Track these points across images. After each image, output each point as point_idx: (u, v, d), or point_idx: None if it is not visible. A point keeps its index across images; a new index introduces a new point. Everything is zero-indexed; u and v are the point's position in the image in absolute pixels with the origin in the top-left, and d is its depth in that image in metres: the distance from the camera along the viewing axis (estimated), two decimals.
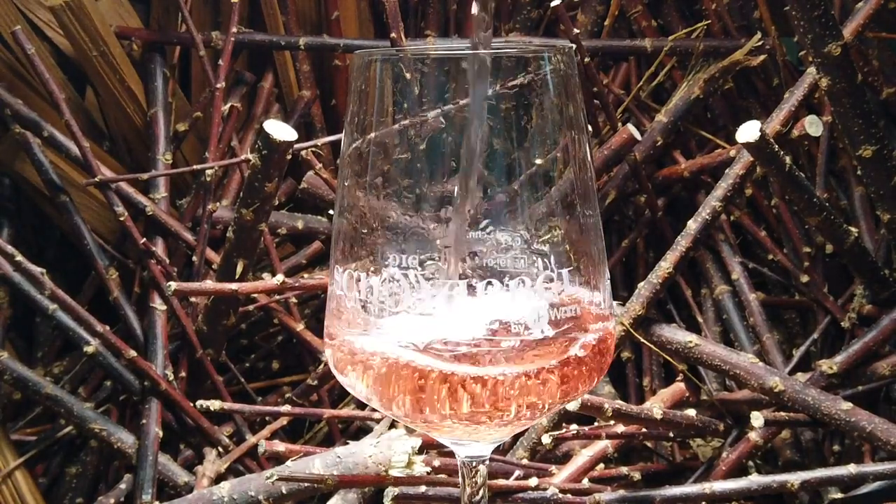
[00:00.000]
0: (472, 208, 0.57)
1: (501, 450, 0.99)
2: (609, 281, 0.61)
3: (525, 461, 0.97)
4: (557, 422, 0.97)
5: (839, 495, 0.97)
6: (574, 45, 0.72)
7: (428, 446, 0.93)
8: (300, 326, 1.12)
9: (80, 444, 1.14)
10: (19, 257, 1.03)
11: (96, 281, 1.16)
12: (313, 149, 1.07)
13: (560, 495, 0.91)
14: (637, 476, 0.98)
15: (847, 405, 0.94)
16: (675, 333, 0.99)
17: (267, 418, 1.07)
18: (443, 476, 0.91)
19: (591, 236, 0.60)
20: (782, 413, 0.98)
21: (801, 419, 0.97)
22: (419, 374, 0.56)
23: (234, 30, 1.15)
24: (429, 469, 0.91)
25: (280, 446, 0.93)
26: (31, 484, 1.10)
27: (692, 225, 1.00)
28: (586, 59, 1.12)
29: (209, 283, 1.02)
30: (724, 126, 1.25)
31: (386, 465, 0.89)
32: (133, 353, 1.03)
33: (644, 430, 0.96)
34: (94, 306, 1.14)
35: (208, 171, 1.11)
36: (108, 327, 1.05)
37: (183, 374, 1.09)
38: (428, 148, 0.58)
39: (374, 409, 0.96)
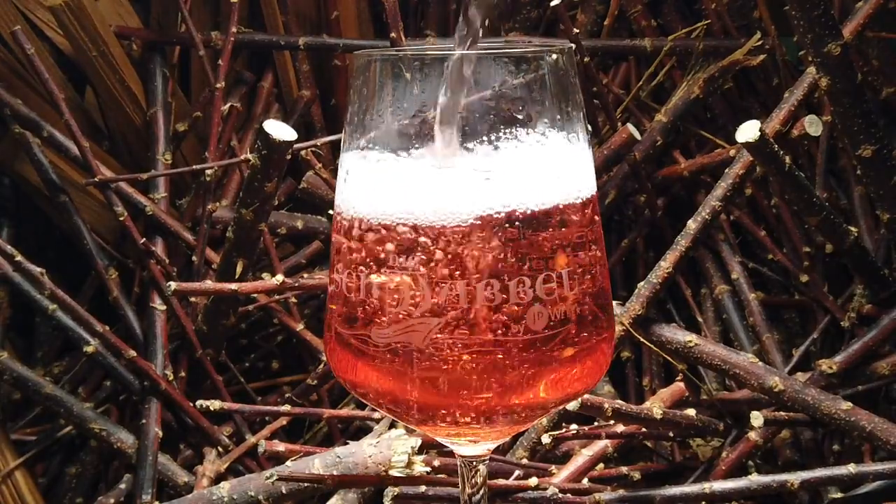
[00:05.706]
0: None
1: (501, 450, 0.99)
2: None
3: (525, 461, 0.97)
4: (557, 422, 0.97)
5: (839, 495, 0.97)
6: (574, 45, 0.72)
7: (428, 446, 0.93)
8: (300, 326, 1.12)
9: (80, 444, 1.14)
10: (19, 257, 1.03)
11: (96, 281, 1.16)
12: (313, 149, 1.07)
13: (560, 495, 0.91)
14: (637, 476, 0.98)
15: (847, 405, 0.94)
16: (675, 333, 0.99)
17: (267, 418, 1.07)
18: (443, 476, 0.91)
19: None
20: (782, 413, 0.98)
21: (800, 419, 0.97)
22: None
23: (234, 30, 1.15)
24: (429, 469, 0.90)
25: (280, 446, 0.93)
26: (30, 484, 1.10)
27: (692, 225, 1.00)
28: (586, 59, 1.12)
29: (209, 283, 1.02)
30: (723, 126, 1.25)
31: (386, 465, 0.89)
32: (133, 353, 1.03)
33: (644, 429, 0.96)
34: (94, 306, 1.14)
35: (208, 171, 1.11)
36: (107, 327, 1.05)
37: (183, 373, 1.09)
38: None
39: (373, 410, 0.96)
